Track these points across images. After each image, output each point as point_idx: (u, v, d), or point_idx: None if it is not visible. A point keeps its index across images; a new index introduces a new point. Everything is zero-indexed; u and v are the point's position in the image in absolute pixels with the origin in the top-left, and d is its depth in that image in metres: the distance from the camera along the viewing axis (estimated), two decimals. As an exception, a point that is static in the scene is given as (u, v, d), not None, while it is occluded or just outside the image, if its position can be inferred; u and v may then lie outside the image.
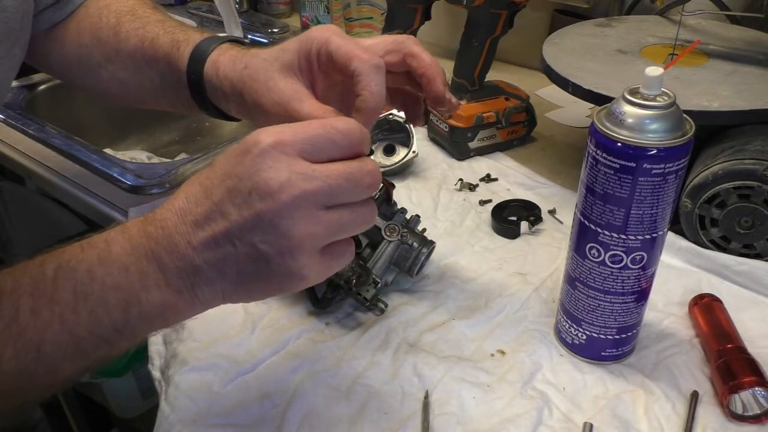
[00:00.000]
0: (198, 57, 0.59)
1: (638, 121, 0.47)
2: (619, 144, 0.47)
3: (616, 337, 0.56)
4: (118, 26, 0.66)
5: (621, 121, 0.48)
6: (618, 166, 0.48)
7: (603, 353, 0.58)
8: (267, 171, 0.38)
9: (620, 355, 0.58)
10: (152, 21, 0.66)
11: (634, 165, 0.47)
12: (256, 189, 0.38)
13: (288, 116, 0.51)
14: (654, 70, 0.47)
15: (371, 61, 0.48)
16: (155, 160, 1.10)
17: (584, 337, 0.57)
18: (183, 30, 0.63)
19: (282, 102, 0.51)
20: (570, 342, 0.59)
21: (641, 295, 0.55)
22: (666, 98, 0.48)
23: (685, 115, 0.49)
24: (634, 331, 0.57)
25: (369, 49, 0.50)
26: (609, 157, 0.48)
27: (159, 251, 0.41)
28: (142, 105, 0.71)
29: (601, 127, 0.49)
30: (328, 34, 0.51)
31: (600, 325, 0.56)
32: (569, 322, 0.58)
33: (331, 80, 0.54)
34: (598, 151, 0.49)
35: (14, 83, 1.10)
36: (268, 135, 0.39)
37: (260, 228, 0.39)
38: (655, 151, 0.47)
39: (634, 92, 0.49)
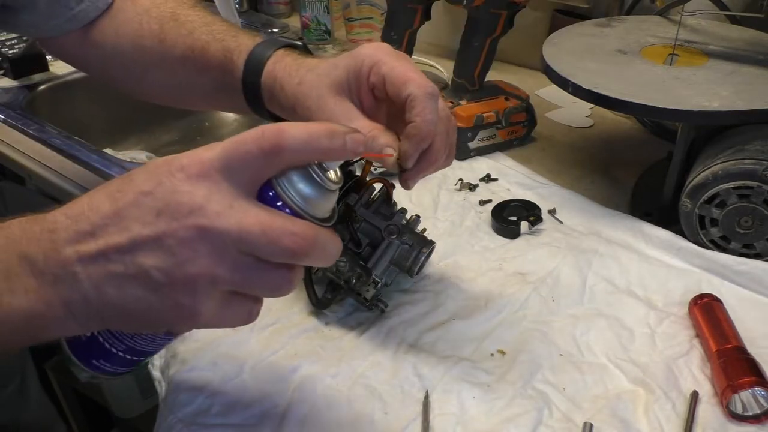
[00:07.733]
0: (254, 68, 0.58)
1: None
2: None
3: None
4: (162, 34, 0.65)
5: None
6: None
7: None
8: (182, 195, 0.35)
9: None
10: (198, 26, 0.64)
11: None
12: (166, 209, 0.35)
13: None
14: None
15: (427, 88, 0.46)
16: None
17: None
18: (233, 35, 0.62)
19: (332, 120, 0.51)
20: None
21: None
22: None
23: None
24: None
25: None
26: None
27: (36, 253, 0.37)
28: (192, 107, 0.70)
29: None
30: (380, 55, 0.49)
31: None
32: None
33: (379, 99, 0.53)
34: None
35: (14, 83, 1.10)
36: (192, 160, 0.36)
37: (158, 251, 0.35)
38: None
39: None
